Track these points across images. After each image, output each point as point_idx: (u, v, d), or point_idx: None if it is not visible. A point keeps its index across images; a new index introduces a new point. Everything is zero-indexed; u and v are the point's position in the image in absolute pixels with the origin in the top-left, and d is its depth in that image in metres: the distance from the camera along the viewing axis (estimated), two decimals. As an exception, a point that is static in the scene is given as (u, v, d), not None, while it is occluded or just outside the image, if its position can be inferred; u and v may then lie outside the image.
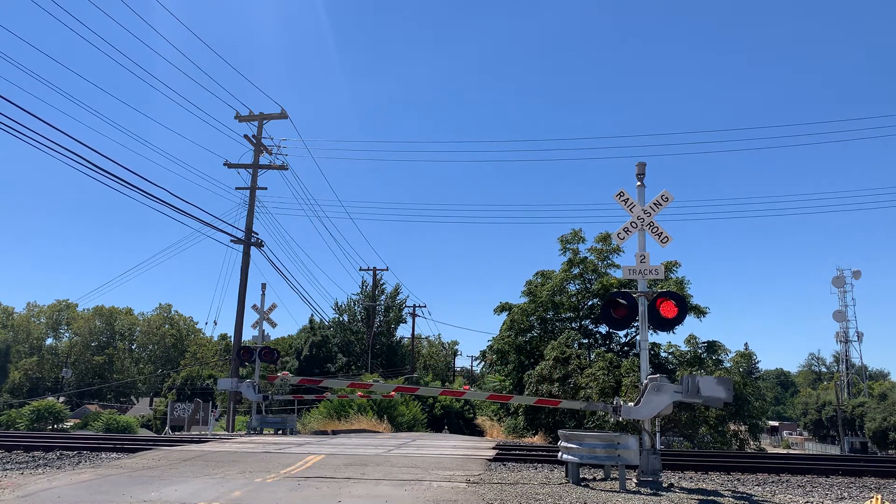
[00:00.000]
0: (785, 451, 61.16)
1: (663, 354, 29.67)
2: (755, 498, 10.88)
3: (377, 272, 57.96)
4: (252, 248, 31.44)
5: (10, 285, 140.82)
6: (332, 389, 28.66)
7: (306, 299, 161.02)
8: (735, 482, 13.08)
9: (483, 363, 42.61)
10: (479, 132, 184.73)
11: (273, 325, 26.73)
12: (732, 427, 28.66)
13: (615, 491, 10.97)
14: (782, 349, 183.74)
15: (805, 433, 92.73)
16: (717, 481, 13.17)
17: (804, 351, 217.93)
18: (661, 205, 13.29)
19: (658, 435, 12.88)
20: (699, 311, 29.81)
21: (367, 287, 62.61)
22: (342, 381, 24.17)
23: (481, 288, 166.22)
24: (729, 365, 29.38)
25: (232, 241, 30.95)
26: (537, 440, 28.78)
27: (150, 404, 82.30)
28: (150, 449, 15.72)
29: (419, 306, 60.08)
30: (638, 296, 13.04)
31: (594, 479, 12.48)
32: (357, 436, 24.34)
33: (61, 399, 68.83)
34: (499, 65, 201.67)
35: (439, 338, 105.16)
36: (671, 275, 29.97)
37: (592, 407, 15.84)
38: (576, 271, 32.30)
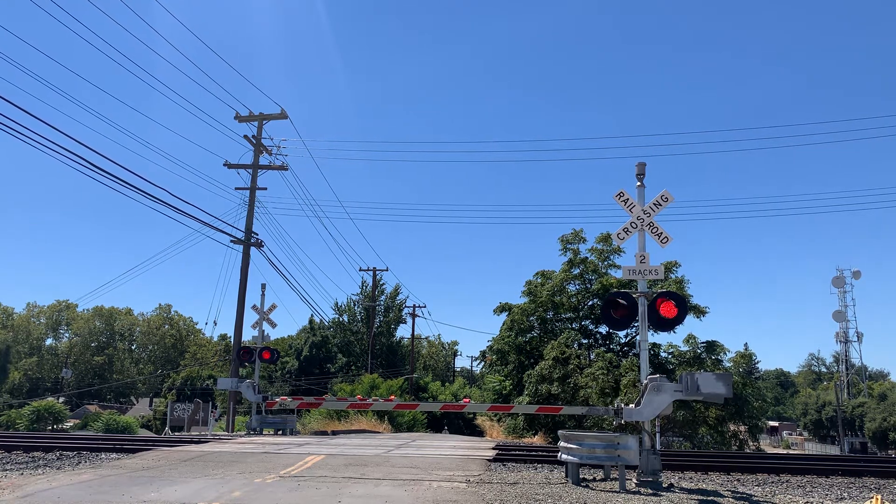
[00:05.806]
0: (785, 452, 61.18)
1: (663, 354, 29.71)
2: (755, 498, 10.87)
3: (377, 272, 57.96)
4: (252, 248, 31.46)
5: (10, 285, 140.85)
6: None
7: (306, 299, 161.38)
8: (735, 482, 13.07)
9: (483, 363, 42.65)
10: (479, 132, 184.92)
11: (273, 325, 26.73)
12: (732, 427, 28.71)
13: (615, 491, 10.97)
14: (782, 349, 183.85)
15: (805, 433, 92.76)
16: (717, 481, 13.16)
17: (804, 351, 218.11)
18: (660, 205, 13.30)
19: (658, 435, 12.88)
20: (699, 311, 29.86)
21: (366, 287, 62.66)
22: (341, 403, 24.61)
23: (481, 288, 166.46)
24: (729, 365, 29.45)
25: (232, 241, 30.97)
26: (537, 440, 28.79)
27: (150, 405, 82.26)
28: (150, 449, 15.70)
29: (419, 306, 60.05)
30: (638, 296, 13.04)
31: (594, 480, 12.48)
32: (357, 436, 24.35)
33: (61, 399, 68.71)
34: (499, 65, 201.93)
35: (439, 338, 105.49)
36: (671, 275, 30.02)
37: (594, 412, 15.82)
38: (576, 271, 32.34)
